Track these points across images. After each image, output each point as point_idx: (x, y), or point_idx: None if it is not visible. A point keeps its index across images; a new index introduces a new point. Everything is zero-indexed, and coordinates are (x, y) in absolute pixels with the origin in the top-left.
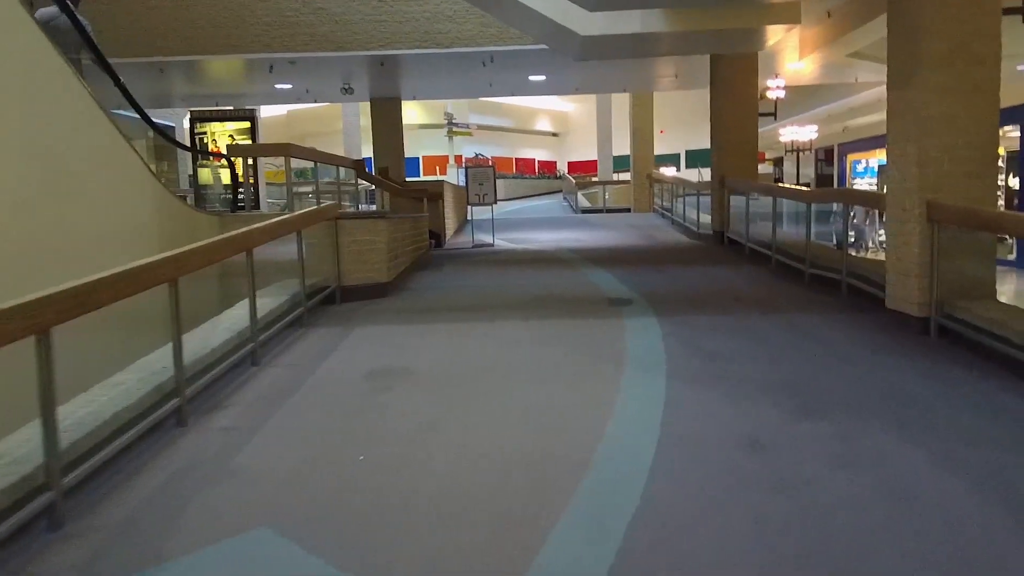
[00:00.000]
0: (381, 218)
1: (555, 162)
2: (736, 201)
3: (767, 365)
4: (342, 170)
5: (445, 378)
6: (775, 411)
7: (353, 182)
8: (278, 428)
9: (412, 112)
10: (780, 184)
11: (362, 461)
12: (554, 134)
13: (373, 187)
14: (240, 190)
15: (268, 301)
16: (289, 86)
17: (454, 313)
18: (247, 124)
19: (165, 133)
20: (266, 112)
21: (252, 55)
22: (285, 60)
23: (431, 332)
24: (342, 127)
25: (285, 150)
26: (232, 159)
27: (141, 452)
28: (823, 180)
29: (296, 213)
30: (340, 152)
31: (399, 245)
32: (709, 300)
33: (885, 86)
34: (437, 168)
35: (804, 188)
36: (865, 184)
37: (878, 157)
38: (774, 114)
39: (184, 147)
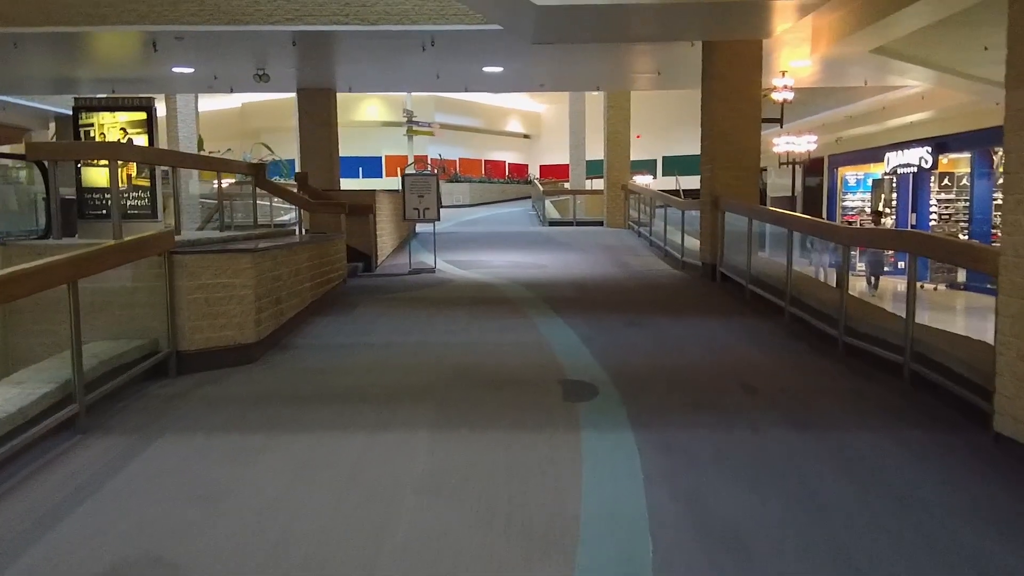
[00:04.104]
0: (245, 252)
1: (527, 165)
2: (732, 226)
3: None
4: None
5: None
6: None
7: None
8: None
9: (373, 108)
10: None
11: None
12: (525, 136)
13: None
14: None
15: (12, 394)
16: (190, 70)
17: (327, 408)
18: (143, 115)
19: None
20: (217, 104)
21: (123, 27)
22: (170, 35)
23: (271, 453)
24: (295, 123)
25: (113, 151)
26: (42, 163)
27: None
28: (809, 193)
29: (63, 256)
30: (294, 151)
31: (286, 285)
32: (709, 390)
33: (891, 91)
34: (399, 169)
35: (841, 226)
36: (857, 199)
37: (872, 170)
38: (780, 120)
39: None
